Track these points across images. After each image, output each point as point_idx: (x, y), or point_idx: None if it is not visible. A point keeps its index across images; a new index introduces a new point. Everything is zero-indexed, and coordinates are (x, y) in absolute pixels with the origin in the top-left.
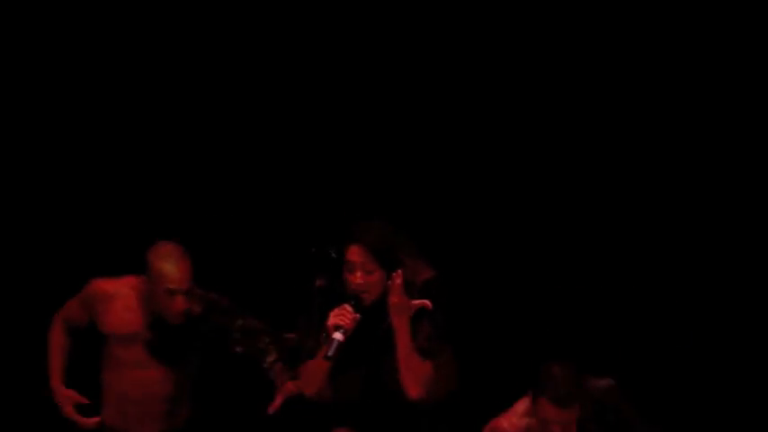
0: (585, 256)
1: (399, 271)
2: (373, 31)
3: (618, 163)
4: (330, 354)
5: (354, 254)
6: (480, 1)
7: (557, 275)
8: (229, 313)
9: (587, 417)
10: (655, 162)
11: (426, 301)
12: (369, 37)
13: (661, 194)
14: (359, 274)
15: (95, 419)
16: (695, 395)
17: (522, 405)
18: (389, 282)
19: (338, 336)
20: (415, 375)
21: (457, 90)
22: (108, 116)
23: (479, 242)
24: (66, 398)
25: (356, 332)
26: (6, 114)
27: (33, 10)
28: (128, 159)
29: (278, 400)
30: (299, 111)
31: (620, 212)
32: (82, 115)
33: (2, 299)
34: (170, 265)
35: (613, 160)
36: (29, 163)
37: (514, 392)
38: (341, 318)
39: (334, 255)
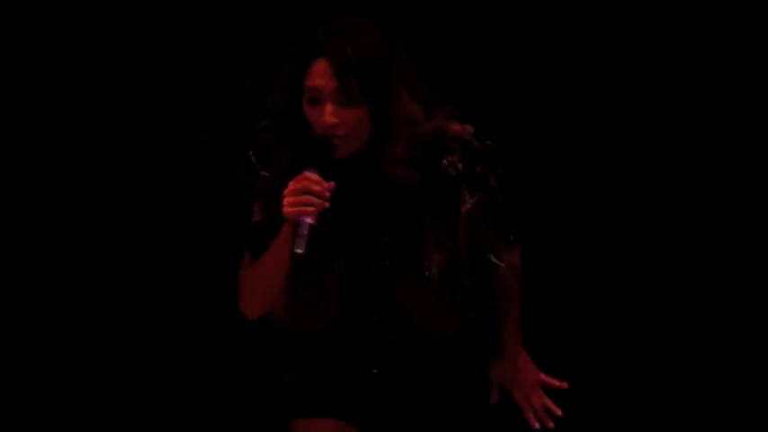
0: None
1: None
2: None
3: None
4: (299, 249)
5: (320, 74)
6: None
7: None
8: None
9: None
10: (655, 162)
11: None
12: None
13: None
14: (329, 107)
15: None
16: (694, 395)
17: None
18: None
19: (309, 220)
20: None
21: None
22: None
23: None
24: None
25: (331, 212)
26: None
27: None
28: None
29: None
30: None
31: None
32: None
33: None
34: None
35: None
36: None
37: None
38: (307, 200)
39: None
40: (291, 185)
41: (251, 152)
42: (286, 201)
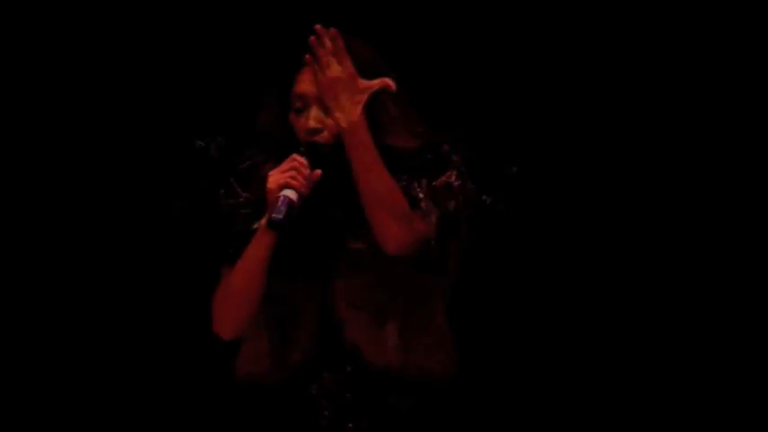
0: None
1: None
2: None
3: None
4: (278, 216)
5: (306, 81)
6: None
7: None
8: None
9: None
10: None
11: (387, 80)
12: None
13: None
14: (313, 111)
15: None
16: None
17: None
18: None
19: (290, 194)
20: (388, 212)
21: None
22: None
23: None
24: None
25: (312, 210)
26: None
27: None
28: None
29: None
30: None
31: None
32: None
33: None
34: None
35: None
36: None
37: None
38: (292, 175)
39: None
40: (281, 166)
41: (232, 178)
42: (270, 178)
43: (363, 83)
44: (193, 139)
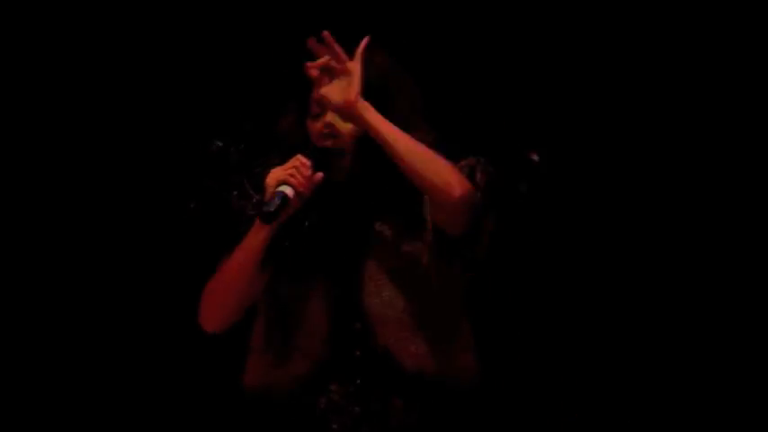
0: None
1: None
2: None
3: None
4: (268, 208)
5: (324, 86)
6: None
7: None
8: None
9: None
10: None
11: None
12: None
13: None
14: (329, 116)
15: None
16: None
17: None
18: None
19: (286, 189)
20: (438, 166)
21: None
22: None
23: None
24: None
25: (319, 221)
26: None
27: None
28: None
29: None
30: None
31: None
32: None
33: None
34: None
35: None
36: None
37: None
38: (291, 173)
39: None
40: (285, 165)
41: (246, 180)
42: (272, 174)
43: (350, 65)
44: (212, 140)
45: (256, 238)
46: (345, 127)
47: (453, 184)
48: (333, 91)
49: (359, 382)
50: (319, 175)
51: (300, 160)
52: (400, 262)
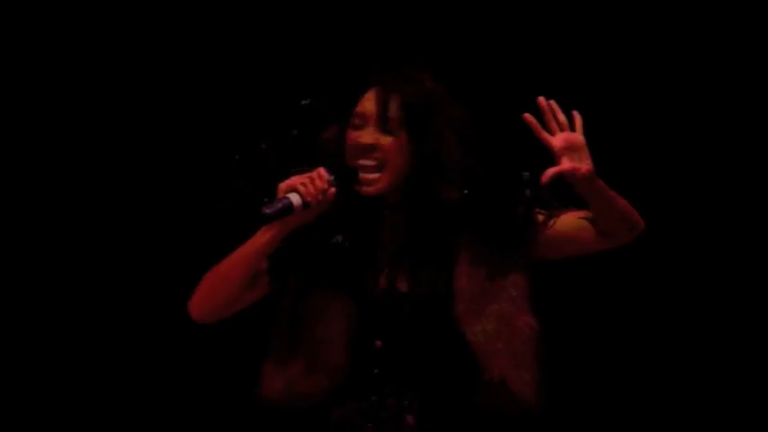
0: None
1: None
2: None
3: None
4: (267, 210)
5: (374, 101)
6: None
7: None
8: None
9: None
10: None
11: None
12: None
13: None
14: (369, 129)
15: None
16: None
17: None
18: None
19: (293, 197)
20: (629, 212)
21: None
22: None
23: None
24: None
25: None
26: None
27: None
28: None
29: None
30: None
31: None
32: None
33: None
34: None
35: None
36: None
37: None
38: (304, 181)
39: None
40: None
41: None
42: (289, 179)
43: (579, 137)
44: (258, 142)
45: (262, 237)
46: (387, 141)
47: (639, 218)
48: (571, 160)
49: (374, 399)
50: (332, 190)
51: (319, 172)
52: (494, 285)
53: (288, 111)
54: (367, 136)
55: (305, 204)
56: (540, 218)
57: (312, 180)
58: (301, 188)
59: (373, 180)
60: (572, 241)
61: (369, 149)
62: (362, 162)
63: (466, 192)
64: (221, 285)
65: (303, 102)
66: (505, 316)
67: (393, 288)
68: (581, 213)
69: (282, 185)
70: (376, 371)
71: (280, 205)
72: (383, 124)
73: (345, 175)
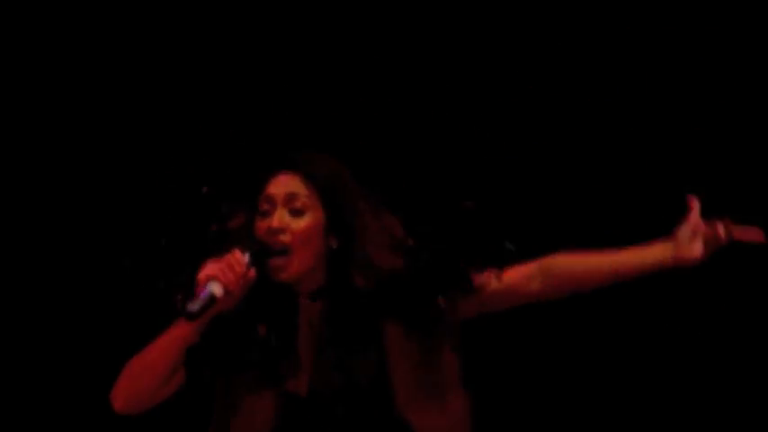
0: None
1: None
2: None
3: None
4: (193, 307)
5: (281, 184)
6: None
7: None
8: None
9: None
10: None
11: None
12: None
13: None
14: (278, 212)
15: None
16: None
17: None
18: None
19: (214, 288)
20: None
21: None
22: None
23: None
24: None
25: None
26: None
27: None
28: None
29: None
30: None
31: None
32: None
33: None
34: None
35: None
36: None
37: None
38: (222, 269)
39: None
40: (217, 258)
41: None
42: (204, 268)
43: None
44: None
45: (182, 329)
46: (298, 225)
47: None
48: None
49: None
50: (252, 272)
51: (235, 256)
52: (423, 362)
53: (188, 200)
54: (275, 220)
55: (227, 293)
56: (485, 275)
57: (230, 266)
58: (221, 277)
59: (283, 265)
60: (515, 294)
61: (277, 232)
62: (271, 246)
63: (381, 281)
64: (144, 375)
65: (203, 189)
66: (445, 401)
67: (320, 383)
68: (527, 268)
69: (201, 276)
70: None
71: (203, 299)
72: (294, 208)
73: (261, 253)
